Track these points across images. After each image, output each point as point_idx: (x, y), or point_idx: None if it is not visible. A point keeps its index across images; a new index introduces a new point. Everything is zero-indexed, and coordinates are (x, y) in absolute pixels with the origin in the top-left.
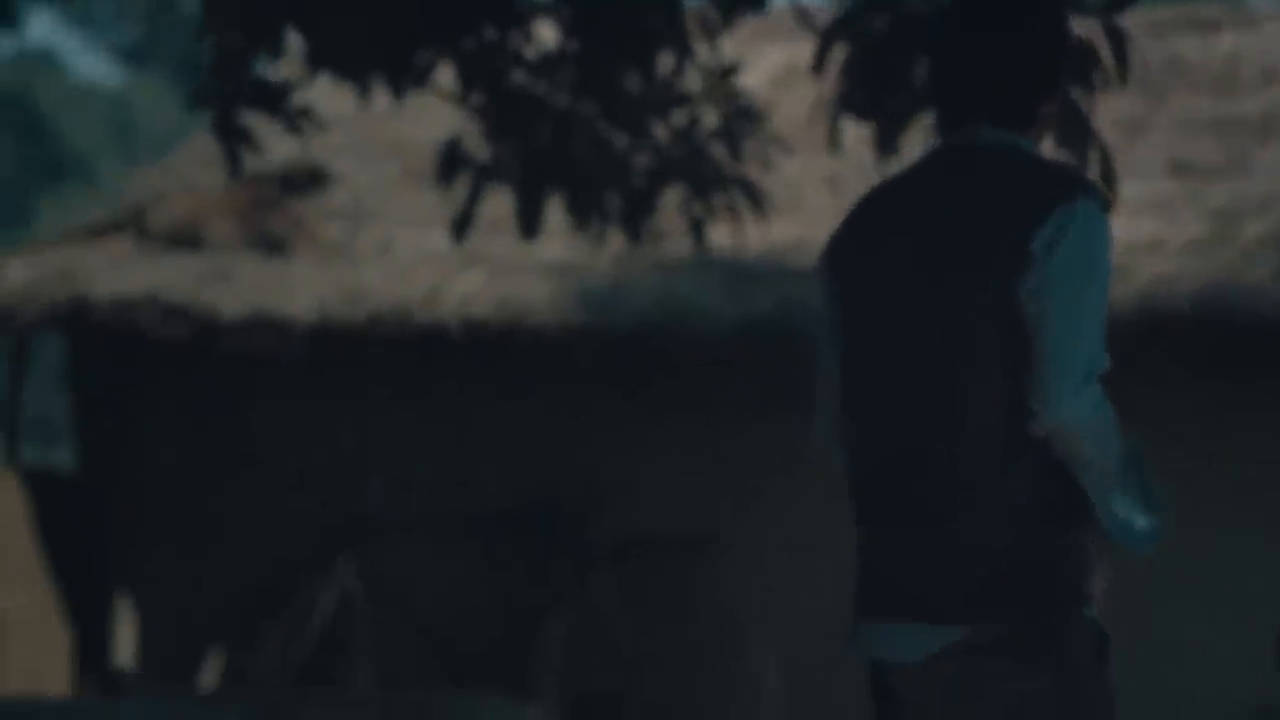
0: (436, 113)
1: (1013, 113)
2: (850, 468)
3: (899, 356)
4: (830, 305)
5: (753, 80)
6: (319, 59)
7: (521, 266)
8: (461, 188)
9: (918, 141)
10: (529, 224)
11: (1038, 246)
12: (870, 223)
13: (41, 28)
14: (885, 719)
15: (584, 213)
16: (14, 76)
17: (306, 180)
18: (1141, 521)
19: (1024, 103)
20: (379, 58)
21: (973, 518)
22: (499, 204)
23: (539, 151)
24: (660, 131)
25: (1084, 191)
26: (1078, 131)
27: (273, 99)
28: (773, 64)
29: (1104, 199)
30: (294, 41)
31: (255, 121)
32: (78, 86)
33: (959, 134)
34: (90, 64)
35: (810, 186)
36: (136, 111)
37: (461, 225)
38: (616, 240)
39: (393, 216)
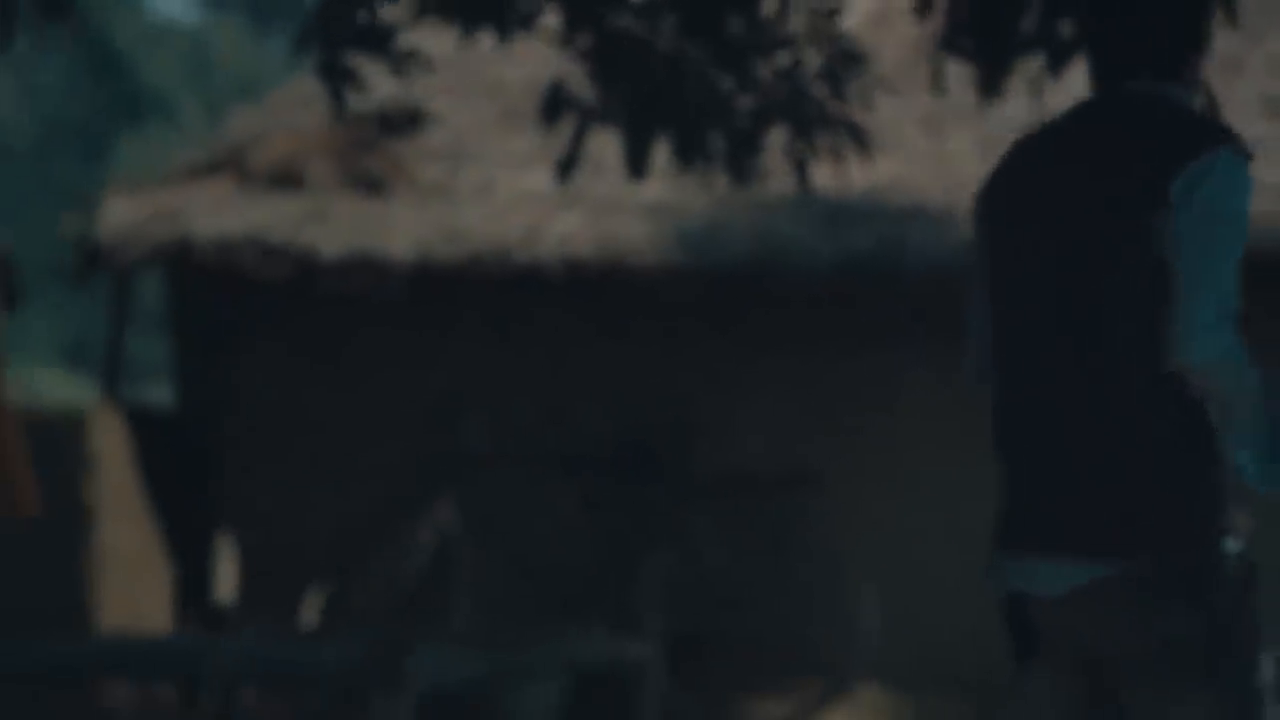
0: (533, 53)
1: (1164, 64)
2: (997, 404)
3: (1045, 296)
4: (981, 246)
5: (853, 21)
6: (428, 2)
7: (620, 206)
8: (565, 129)
9: (1020, 84)
10: (637, 165)
11: (1177, 191)
12: (1020, 166)
13: None
14: (1023, 652)
15: (689, 154)
16: (92, 14)
17: (405, 121)
18: (1266, 462)
19: (1175, 55)
20: (486, 1)
21: (1116, 453)
22: (598, 144)
23: (646, 94)
24: (764, 73)
25: (1226, 140)
26: None
27: (379, 41)
28: (872, 5)
29: (1245, 150)
30: None
31: (357, 63)
32: (155, 25)
33: (1112, 83)
34: (167, 2)
35: (908, 126)
36: (213, 51)
37: (567, 167)
38: (718, 180)
39: (491, 157)
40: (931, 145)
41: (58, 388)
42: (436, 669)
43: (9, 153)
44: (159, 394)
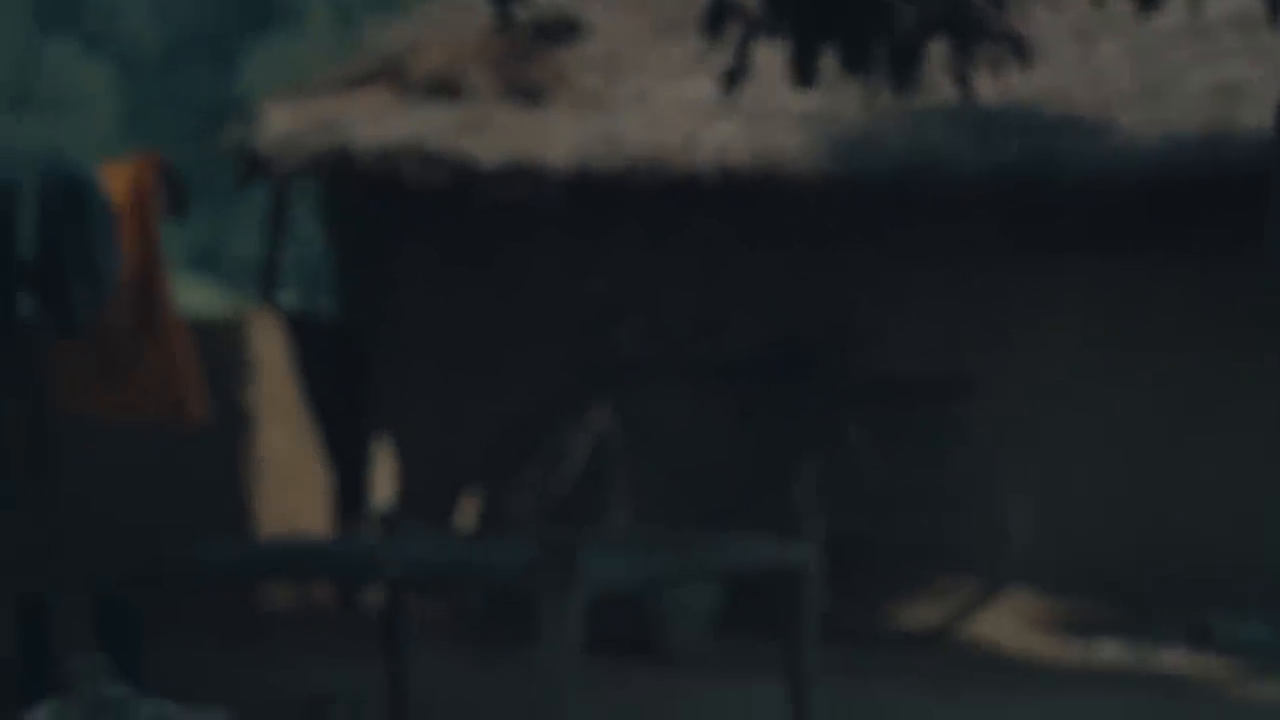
0: None
1: None
2: None
3: None
4: None
5: None
6: None
7: (775, 115)
8: (729, 40)
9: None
10: (805, 75)
11: None
12: None
13: None
14: None
15: (854, 64)
16: None
17: (562, 30)
18: None
19: None
20: None
21: None
22: (754, 53)
23: (813, 4)
24: None
25: None
26: None
27: None
28: None
29: None
30: None
31: None
32: None
33: None
34: None
35: (1059, 36)
36: None
37: (733, 78)
38: (879, 91)
39: (648, 66)
40: (1083, 55)
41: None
42: (604, 571)
43: (138, 64)
44: (319, 301)
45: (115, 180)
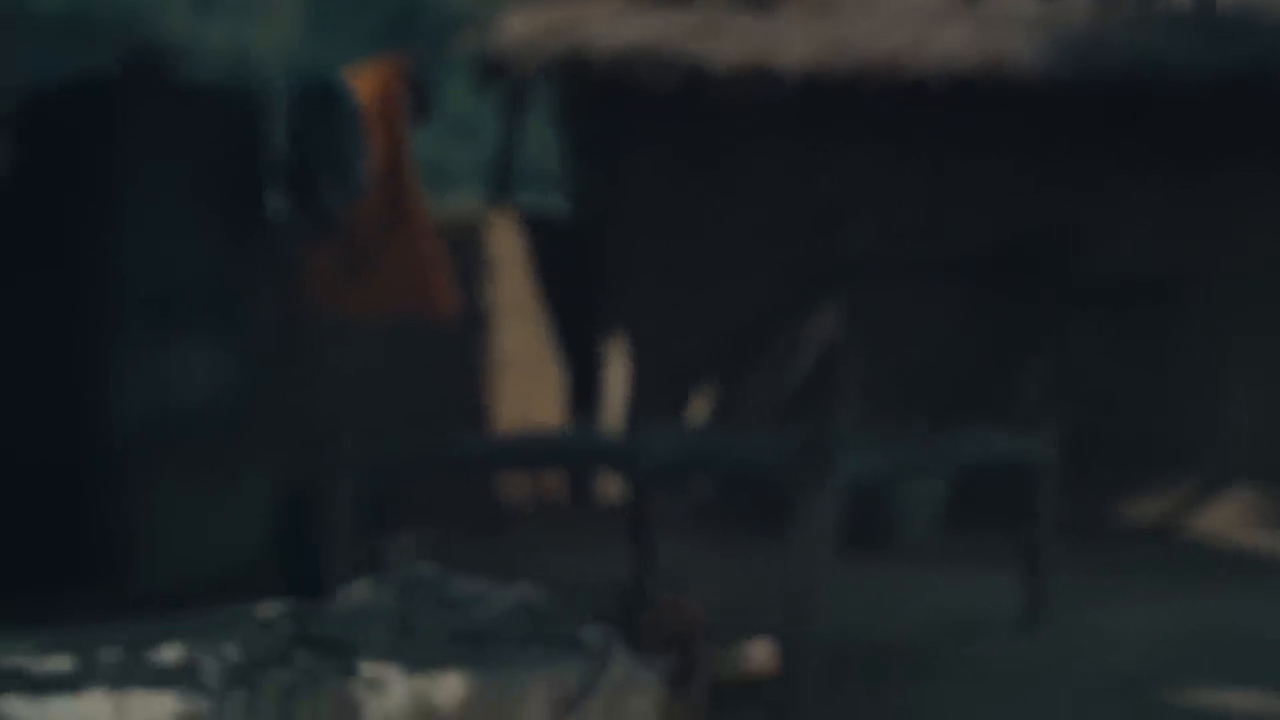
0: None
1: None
2: None
3: None
4: None
5: None
6: None
7: (1004, 19)
8: None
9: None
10: None
11: None
12: None
13: None
14: None
15: None
16: None
17: None
18: None
19: None
20: None
21: None
22: None
23: None
24: None
25: None
26: None
27: None
28: None
29: None
30: None
31: None
32: None
33: None
34: None
35: None
36: None
37: None
38: None
39: None
40: None
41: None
42: (856, 464)
43: None
44: (553, 201)
45: (363, 84)
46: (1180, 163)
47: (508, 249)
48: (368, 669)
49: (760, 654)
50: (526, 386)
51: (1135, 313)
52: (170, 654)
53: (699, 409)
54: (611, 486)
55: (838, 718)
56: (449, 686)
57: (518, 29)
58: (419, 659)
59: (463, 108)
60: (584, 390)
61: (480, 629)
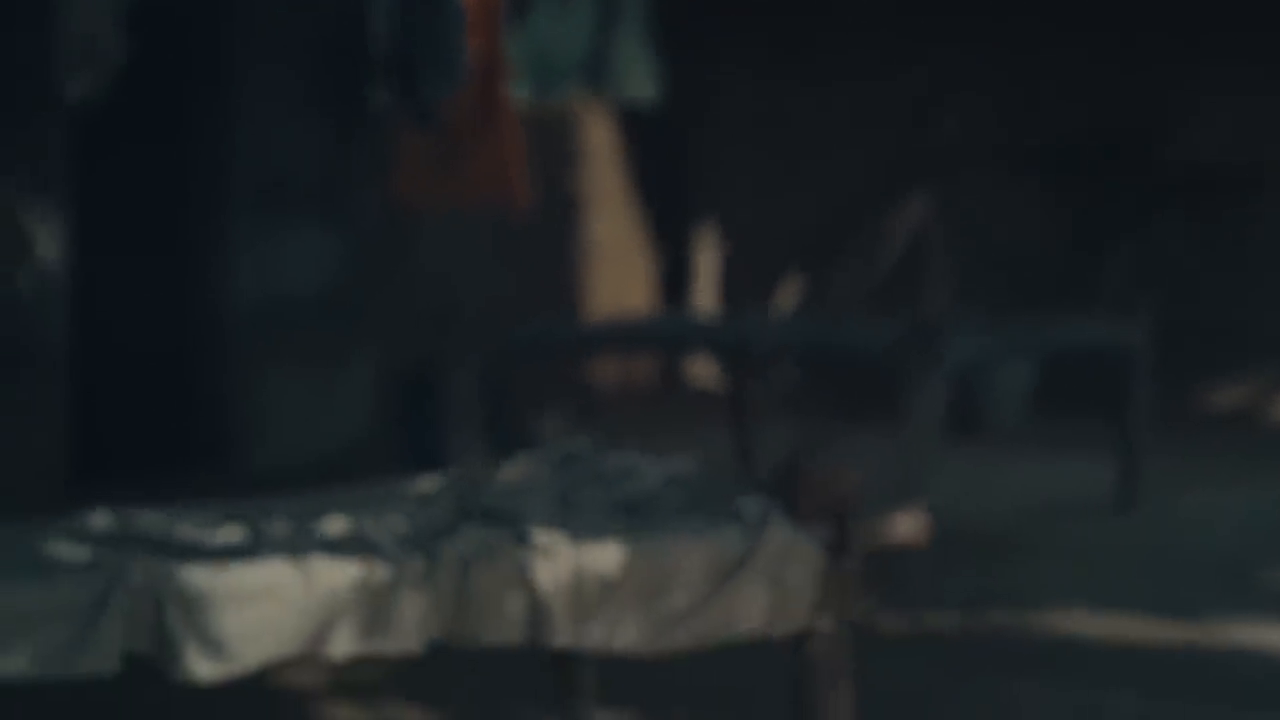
0: None
1: None
2: None
3: None
4: None
5: None
6: None
7: None
8: None
9: None
10: None
11: None
12: None
13: None
14: None
15: None
16: None
17: None
18: None
19: None
20: None
21: None
22: None
23: None
24: None
25: None
26: None
27: None
28: None
29: None
30: None
31: None
32: None
33: None
34: None
35: None
36: None
37: None
38: None
39: None
40: None
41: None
42: (961, 350)
43: None
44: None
45: None
46: (1270, 50)
47: (599, 139)
48: (538, 536)
49: (908, 525)
50: (618, 275)
51: (1221, 201)
52: (335, 525)
53: (787, 297)
54: (702, 372)
55: (948, 593)
56: (611, 554)
57: None
58: (580, 528)
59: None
60: (674, 278)
61: (637, 500)
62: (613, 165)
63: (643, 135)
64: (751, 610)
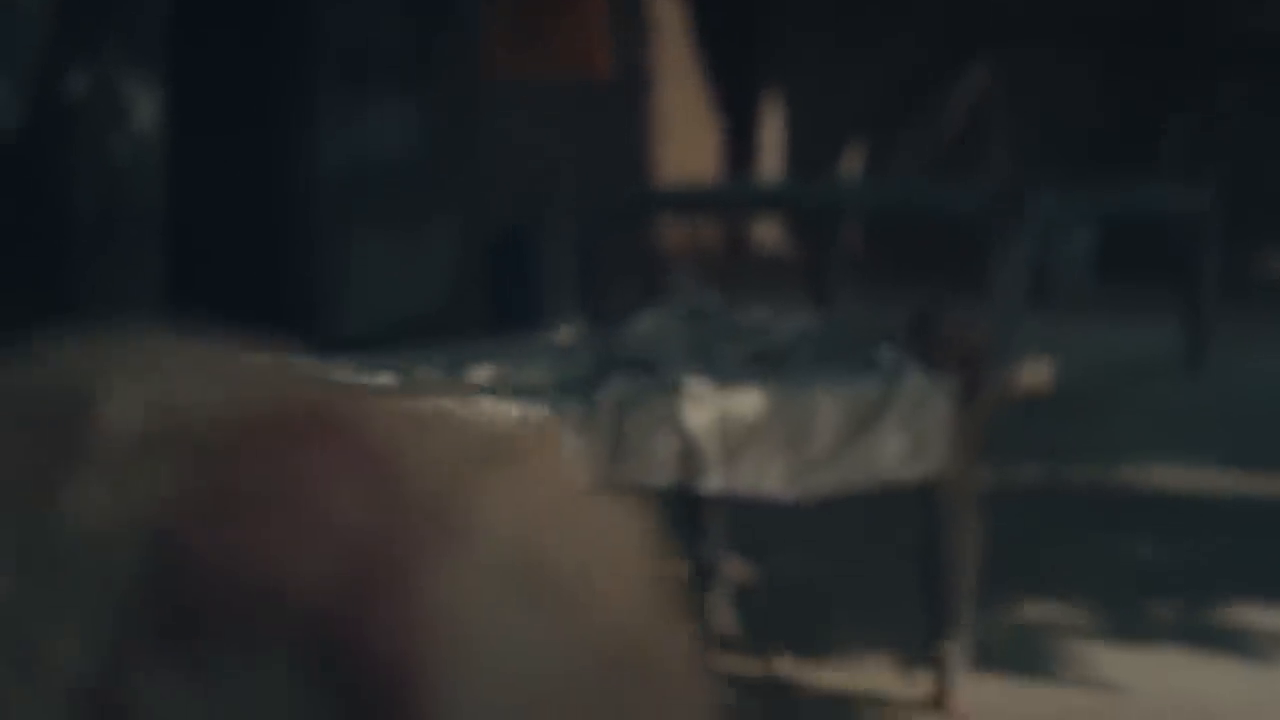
0: None
1: None
2: None
3: None
4: None
5: None
6: None
7: None
8: None
9: None
10: None
11: None
12: None
13: None
14: None
15: None
16: None
17: None
18: None
19: None
20: None
21: None
22: None
23: None
24: None
25: None
26: None
27: None
28: None
29: None
30: None
31: None
32: None
33: None
34: None
35: None
36: None
37: None
38: None
39: None
40: None
41: None
42: (1048, 211)
43: None
44: None
45: None
46: None
47: (668, 12)
48: (686, 383)
49: (1034, 375)
50: (686, 145)
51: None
52: (484, 373)
53: (852, 164)
54: (768, 238)
55: (1029, 445)
56: (755, 400)
57: None
58: (722, 377)
59: None
60: (741, 145)
61: (771, 352)
62: (681, 38)
63: (710, 8)
64: (888, 455)
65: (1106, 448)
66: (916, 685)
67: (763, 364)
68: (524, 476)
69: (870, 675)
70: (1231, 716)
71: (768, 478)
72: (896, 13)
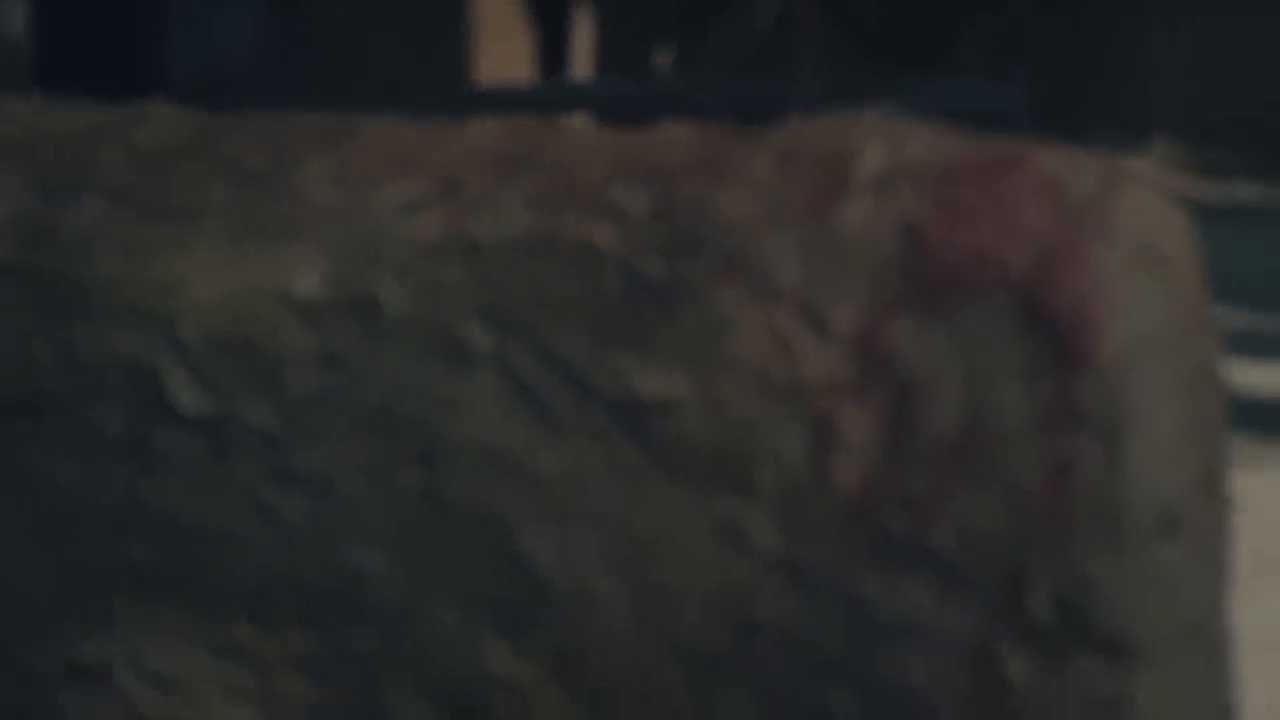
0: None
1: None
2: None
3: None
4: None
5: None
6: None
7: None
8: None
9: None
10: None
11: None
12: None
13: None
14: None
15: None
16: None
17: None
18: None
19: None
20: None
21: None
22: None
23: None
24: None
25: None
26: None
27: None
28: None
29: None
30: None
31: None
32: None
33: None
34: None
35: None
36: None
37: None
38: None
39: None
40: None
41: None
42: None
43: None
44: None
45: None
46: None
47: None
48: None
49: None
50: (501, 50)
51: None
52: None
53: (663, 66)
54: None
55: None
56: None
57: None
58: None
59: None
60: (552, 51)
61: None
62: None
63: None
64: None
65: None
66: None
67: None
68: (1140, 191)
69: None
70: None
71: None
72: None
